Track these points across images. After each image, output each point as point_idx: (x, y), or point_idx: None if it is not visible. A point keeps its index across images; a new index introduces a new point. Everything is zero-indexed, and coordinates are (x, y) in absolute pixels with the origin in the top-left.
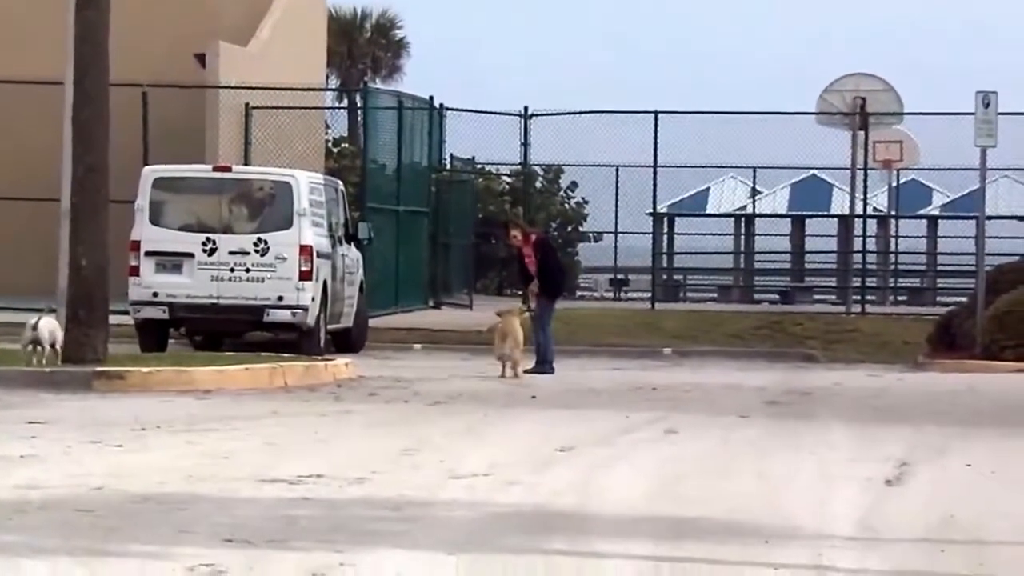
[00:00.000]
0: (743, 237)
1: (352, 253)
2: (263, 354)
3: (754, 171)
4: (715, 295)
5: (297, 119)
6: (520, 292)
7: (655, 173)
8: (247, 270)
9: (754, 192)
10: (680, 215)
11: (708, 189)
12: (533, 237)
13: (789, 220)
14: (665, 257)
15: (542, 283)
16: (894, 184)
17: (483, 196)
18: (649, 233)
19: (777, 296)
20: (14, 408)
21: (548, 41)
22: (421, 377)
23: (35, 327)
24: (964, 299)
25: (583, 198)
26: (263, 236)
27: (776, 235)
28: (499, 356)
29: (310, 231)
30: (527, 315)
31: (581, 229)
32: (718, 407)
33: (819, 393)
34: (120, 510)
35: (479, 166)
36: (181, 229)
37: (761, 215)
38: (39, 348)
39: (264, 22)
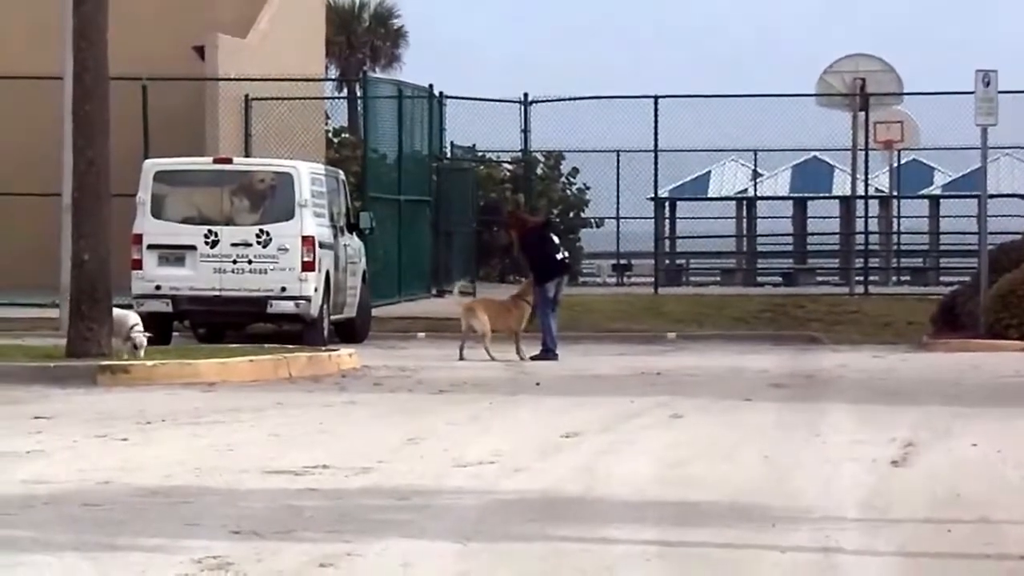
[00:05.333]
0: (745, 220)
1: (354, 243)
2: (267, 346)
3: (755, 154)
4: (718, 279)
5: (297, 110)
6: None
7: (656, 158)
8: (250, 262)
9: (755, 175)
10: (682, 199)
11: (709, 173)
12: (529, 226)
13: (791, 202)
14: (667, 242)
15: (531, 270)
16: (895, 164)
17: (484, 184)
18: (651, 218)
19: (780, 279)
20: (19, 403)
21: (547, 28)
22: (425, 366)
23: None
24: (967, 278)
25: (584, 184)
26: (265, 227)
27: (778, 217)
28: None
29: (312, 222)
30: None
31: (583, 215)
32: (723, 391)
33: (824, 375)
34: (127, 504)
35: (480, 154)
36: (183, 222)
37: (763, 198)
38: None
39: (263, 13)
